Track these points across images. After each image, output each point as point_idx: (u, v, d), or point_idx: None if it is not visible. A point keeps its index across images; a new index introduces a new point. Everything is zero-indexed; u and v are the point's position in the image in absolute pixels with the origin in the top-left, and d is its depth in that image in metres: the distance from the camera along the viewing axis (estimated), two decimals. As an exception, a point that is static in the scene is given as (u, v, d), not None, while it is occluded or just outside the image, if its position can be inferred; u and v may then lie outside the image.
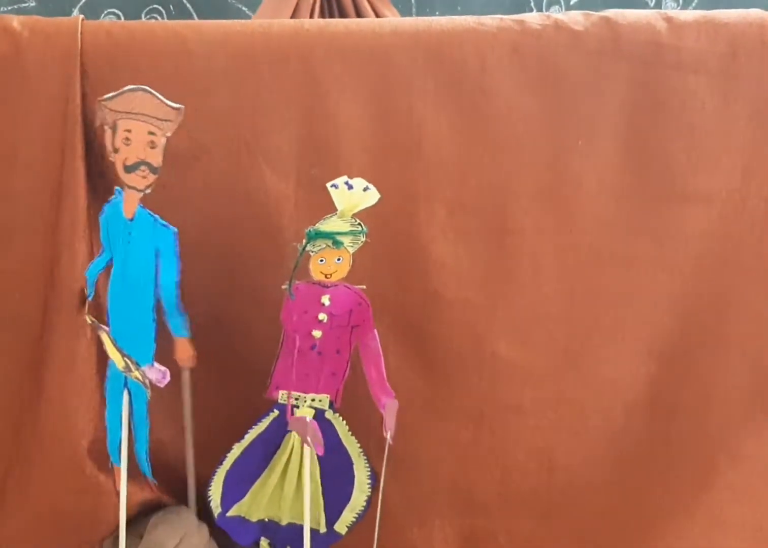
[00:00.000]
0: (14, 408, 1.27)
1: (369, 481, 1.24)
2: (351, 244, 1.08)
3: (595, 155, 1.21)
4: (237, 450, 1.22)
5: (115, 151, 1.05)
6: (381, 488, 1.20)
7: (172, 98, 1.13)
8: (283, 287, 1.10)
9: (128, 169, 1.05)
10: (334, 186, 1.04)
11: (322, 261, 1.09)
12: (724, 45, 1.18)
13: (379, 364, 1.14)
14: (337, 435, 1.20)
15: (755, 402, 1.27)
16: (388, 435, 1.15)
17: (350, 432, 1.20)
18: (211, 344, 1.24)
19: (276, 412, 1.20)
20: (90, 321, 1.15)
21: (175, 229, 1.09)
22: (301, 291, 1.12)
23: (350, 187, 1.04)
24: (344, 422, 1.20)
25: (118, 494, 1.20)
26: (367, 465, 1.23)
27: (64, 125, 1.14)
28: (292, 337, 1.14)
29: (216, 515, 1.25)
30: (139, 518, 1.27)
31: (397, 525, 1.32)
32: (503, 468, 1.33)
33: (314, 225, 1.06)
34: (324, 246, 1.07)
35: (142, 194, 1.07)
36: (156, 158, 1.04)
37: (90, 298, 1.15)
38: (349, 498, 1.25)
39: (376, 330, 1.13)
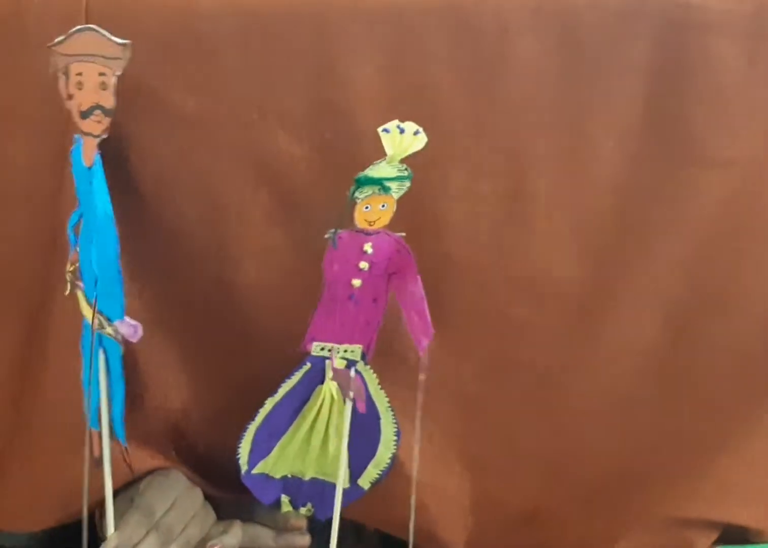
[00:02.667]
0: (15, 377, 1.25)
1: (395, 438, 1.23)
2: (397, 190, 1.06)
3: (615, 118, 1.17)
4: (269, 405, 1.21)
5: (70, 97, 1.01)
6: (418, 436, 1.16)
7: (180, 59, 1.11)
8: (326, 236, 1.09)
9: (83, 115, 1.01)
10: (386, 130, 1.00)
11: (367, 208, 1.06)
12: (751, 5, 1.14)
13: (422, 308, 1.12)
14: (367, 388, 1.20)
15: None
16: (422, 376, 1.13)
17: (380, 386, 1.20)
18: (220, 310, 1.23)
19: (308, 365, 1.18)
20: (69, 279, 1.12)
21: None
22: (343, 240, 1.09)
23: (402, 131, 1.01)
24: (375, 375, 1.19)
25: (123, 462, 1.20)
26: (395, 421, 1.22)
27: (67, 88, 1.10)
28: (333, 287, 1.12)
29: (243, 472, 1.24)
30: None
31: (408, 484, 1.32)
32: (510, 428, 1.33)
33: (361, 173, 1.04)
34: (370, 192, 1.05)
35: (99, 140, 1.03)
36: (108, 100, 1.00)
37: (71, 251, 1.12)
38: (374, 454, 1.25)
39: (419, 276, 1.11)
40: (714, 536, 1.33)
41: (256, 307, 1.24)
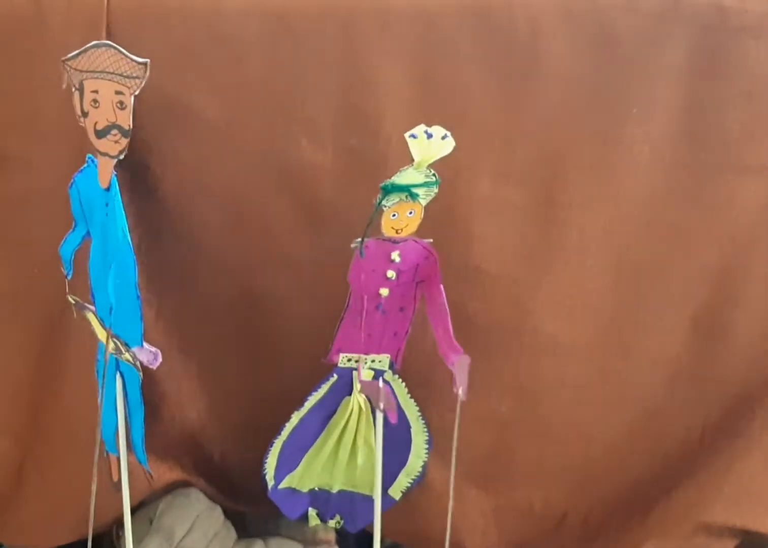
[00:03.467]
0: (34, 388, 1.23)
1: (426, 446, 1.22)
2: (424, 196, 1.03)
3: (650, 124, 1.14)
4: (295, 419, 1.19)
5: (84, 114, 0.97)
6: (454, 447, 1.13)
7: (205, 64, 1.08)
8: (353, 245, 1.06)
9: (99, 134, 0.97)
10: (413, 136, 0.98)
11: (394, 216, 1.04)
12: (790, 9, 1.11)
13: (446, 320, 1.09)
14: (396, 399, 1.17)
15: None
16: (460, 391, 1.10)
17: (409, 395, 1.18)
18: (243, 318, 1.20)
19: (335, 377, 1.17)
20: (73, 302, 1.09)
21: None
22: (370, 249, 1.07)
23: (429, 136, 0.98)
24: (403, 384, 1.17)
25: (138, 485, 1.17)
26: (425, 429, 1.20)
27: (87, 92, 1.07)
28: (360, 298, 1.10)
29: (269, 488, 1.22)
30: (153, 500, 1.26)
31: (433, 495, 1.29)
32: (541, 439, 1.31)
33: (387, 180, 1.01)
34: (397, 200, 1.02)
35: (115, 161, 0.99)
36: (126, 120, 0.96)
37: (69, 277, 1.08)
38: (405, 463, 1.23)
39: (442, 285, 1.09)
40: (734, 543, 1.31)
41: (279, 317, 1.22)
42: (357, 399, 1.17)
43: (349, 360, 1.15)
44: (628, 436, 1.30)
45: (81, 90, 0.96)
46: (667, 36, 1.11)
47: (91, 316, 1.08)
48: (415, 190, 1.02)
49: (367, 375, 1.15)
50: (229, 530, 1.28)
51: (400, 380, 1.17)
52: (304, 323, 1.22)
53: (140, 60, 0.93)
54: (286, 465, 1.22)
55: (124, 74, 0.94)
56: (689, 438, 1.30)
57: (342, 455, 1.21)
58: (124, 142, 0.97)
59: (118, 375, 1.10)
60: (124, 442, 1.13)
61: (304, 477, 1.24)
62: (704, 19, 1.11)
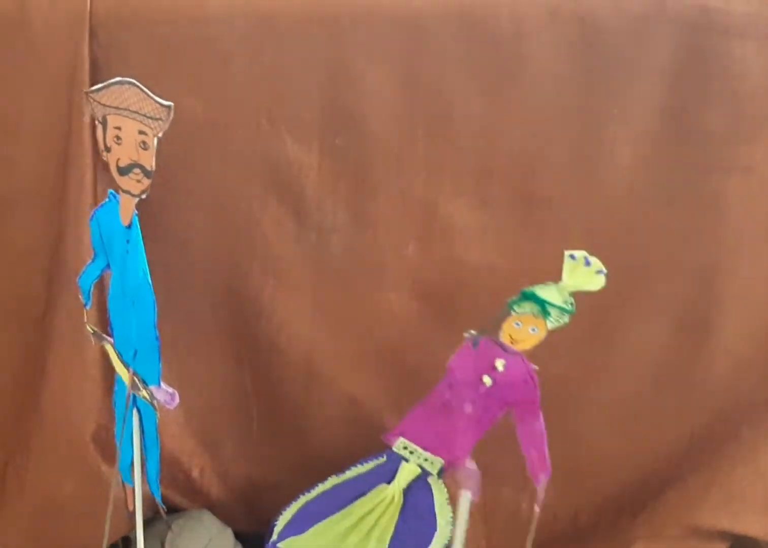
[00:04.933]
0: (16, 392, 1.23)
1: None
2: (554, 320, 1.02)
3: (632, 124, 1.15)
4: (329, 484, 1.19)
5: (107, 149, 0.96)
6: None
7: (190, 65, 1.08)
8: (467, 334, 1.06)
9: (122, 171, 0.96)
10: (572, 257, 0.99)
11: (518, 324, 1.03)
12: (775, 8, 1.12)
13: (542, 446, 1.08)
14: (432, 501, 1.16)
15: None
16: (537, 508, 1.11)
17: (448, 501, 1.15)
18: (229, 318, 1.20)
19: (383, 459, 1.16)
20: (91, 331, 1.07)
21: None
22: (480, 346, 1.06)
23: (587, 264, 0.99)
24: (445, 490, 1.15)
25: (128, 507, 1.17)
26: (449, 537, 1.16)
27: (71, 92, 1.07)
28: (447, 388, 1.09)
29: (270, 541, 1.21)
30: (156, 518, 1.24)
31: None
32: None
33: (532, 287, 1.01)
34: (529, 311, 1.02)
35: (137, 200, 0.98)
36: (148, 160, 0.94)
37: (87, 307, 1.07)
38: None
39: (541, 412, 1.08)
40: (723, 546, 1.31)
41: (265, 317, 1.21)
42: (395, 490, 1.15)
43: (405, 448, 1.14)
44: (616, 438, 1.30)
45: (104, 124, 0.95)
46: (651, 36, 1.12)
47: (109, 348, 1.07)
48: (549, 308, 1.01)
49: (411, 471, 1.14)
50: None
51: (443, 485, 1.15)
52: (290, 324, 1.22)
53: (164, 103, 0.91)
54: (297, 526, 1.20)
55: (147, 115, 0.92)
56: (677, 440, 1.30)
57: (352, 540, 1.18)
58: (146, 182, 0.95)
59: (135, 411, 1.09)
60: (140, 476, 1.12)
61: (306, 547, 1.21)
62: (689, 19, 1.11)
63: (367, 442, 1.27)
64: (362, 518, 1.17)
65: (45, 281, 1.16)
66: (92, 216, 1.03)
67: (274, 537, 1.20)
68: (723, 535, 1.29)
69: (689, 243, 1.20)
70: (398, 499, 1.15)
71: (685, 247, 1.20)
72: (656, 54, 1.12)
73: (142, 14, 1.05)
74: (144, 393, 1.04)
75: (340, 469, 1.21)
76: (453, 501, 1.15)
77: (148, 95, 0.91)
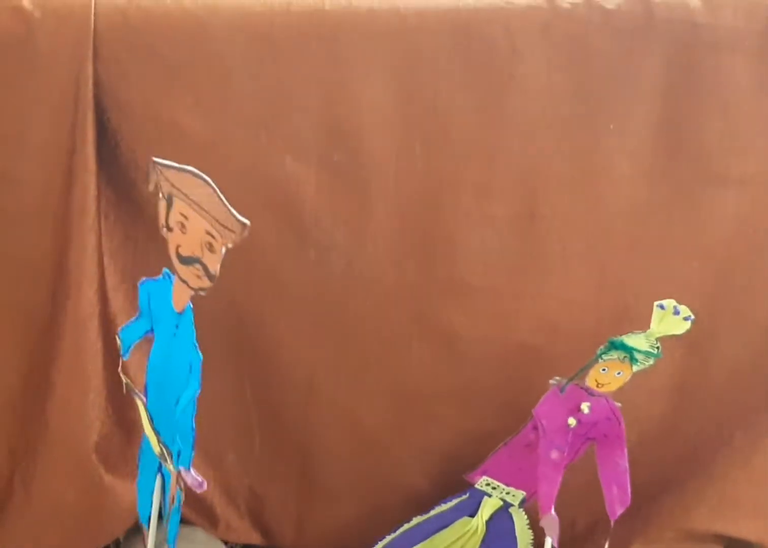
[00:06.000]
0: (21, 401, 1.23)
1: None
2: (640, 363, 1.06)
3: (627, 138, 1.16)
4: (414, 522, 1.22)
5: (168, 228, 0.91)
6: None
7: (190, 82, 1.10)
8: (552, 381, 1.11)
9: (183, 261, 0.92)
10: (661, 307, 1.03)
11: (604, 370, 1.07)
12: (762, 23, 1.13)
13: (624, 481, 1.12)
14: (513, 529, 1.19)
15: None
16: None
17: (528, 525, 1.19)
18: (229, 334, 1.21)
19: (466, 495, 1.20)
20: (125, 382, 1.05)
21: (201, 357, 0.97)
22: (567, 391, 1.10)
23: (676, 313, 1.02)
24: (524, 515, 1.19)
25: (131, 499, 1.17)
26: None
27: (76, 110, 1.08)
28: (531, 430, 1.14)
29: None
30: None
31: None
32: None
33: (620, 336, 1.05)
34: (615, 357, 1.06)
35: (193, 293, 0.94)
36: (213, 264, 0.90)
37: (125, 358, 1.05)
38: None
39: (626, 449, 1.12)
40: (717, 551, 1.33)
41: (265, 334, 1.23)
42: (478, 522, 1.19)
43: (488, 484, 1.18)
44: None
45: (169, 203, 0.90)
46: (642, 52, 1.13)
47: (141, 406, 1.04)
48: (637, 355, 1.05)
49: (494, 504, 1.18)
50: None
51: (524, 512, 1.19)
52: (290, 340, 1.23)
53: (240, 218, 0.86)
54: None
55: (219, 221, 0.87)
56: (672, 446, 1.31)
57: None
58: (206, 282, 0.91)
59: (159, 477, 1.08)
60: (153, 536, 1.11)
61: None
62: (678, 35, 1.13)
63: (366, 457, 1.28)
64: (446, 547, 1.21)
65: (49, 294, 1.17)
66: (143, 283, 1.01)
67: None
68: (717, 538, 1.30)
69: (686, 254, 1.21)
70: (481, 530, 1.20)
71: (682, 259, 1.22)
72: (647, 69, 1.14)
73: (145, 33, 1.07)
74: (170, 467, 1.01)
75: (340, 484, 1.22)
76: (533, 526, 1.19)
77: (224, 203, 0.86)
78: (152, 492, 1.09)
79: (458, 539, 1.20)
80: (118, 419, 1.24)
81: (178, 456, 1.00)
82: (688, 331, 1.03)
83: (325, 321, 1.23)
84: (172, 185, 0.89)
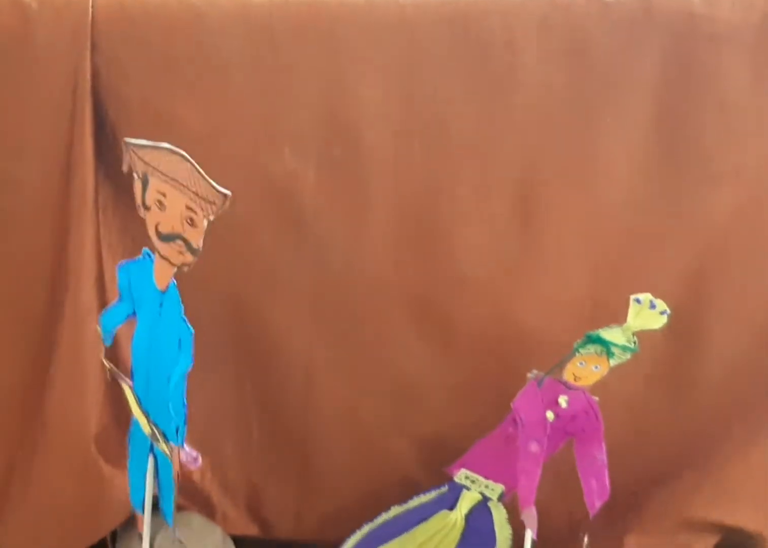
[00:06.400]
0: (21, 396, 1.24)
1: None
2: (617, 357, 1.07)
3: (624, 132, 1.17)
4: (393, 512, 1.22)
5: (146, 207, 0.90)
6: None
7: (189, 76, 1.09)
8: (530, 375, 1.11)
9: (163, 238, 0.90)
10: (638, 300, 1.03)
11: (581, 364, 1.08)
12: (759, 16, 1.13)
13: (603, 476, 1.13)
14: (492, 523, 1.20)
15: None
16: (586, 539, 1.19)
17: (507, 520, 1.19)
18: (228, 329, 1.22)
19: (445, 488, 1.20)
20: (108, 367, 1.05)
21: (192, 330, 0.96)
22: (544, 385, 1.11)
23: (653, 306, 1.03)
24: (504, 510, 1.20)
25: (127, 499, 1.17)
26: None
27: (74, 102, 1.09)
28: (511, 424, 1.14)
29: None
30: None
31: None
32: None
33: (597, 330, 1.05)
34: (593, 351, 1.06)
35: (175, 269, 0.92)
36: (195, 238, 0.88)
37: (107, 344, 1.05)
38: None
39: (604, 443, 1.12)
40: (715, 540, 1.31)
41: (263, 328, 1.23)
42: (457, 516, 1.19)
43: (467, 478, 1.19)
44: (608, 436, 1.29)
45: (145, 183, 0.89)
46: (640, 45, 1.14)
47: (127, 390, 1.03)
48: (613, 349, 1.05)
49: (473, 498, 1.18)
50: (229, 543, 1.30)
51: (502, 507, 1.19)
52: (288, 334, 1.23)
53: (222, 190, 0.86)
54: None
55: (200, 194, 0.86)
56: (670, 437, 1.31)
57: None
58: (189, 257, 0.90)
59: (150, 457, 1.07)
60: (149, 521, 1.11)
61: None
62: (676, 27, 1.13)
63: (364, 450, 1.29)
64: (424, 542, 1.21)
65: (48, 289, 1.17)
66: (121, 265, 1.00)
67: None
68: (714, 528, 1.30)
69: (681, 248, 1.22)
70: (460, 523, 1.19)
71: (676, 252, 1.22)
72: (645, 62, 1.14)
73: (143, 27, 1.07)
74: (163, 446, 1.00)
75: (338, 476, 1.22)
76: (512, 520, 1.19)
77: (203, 176, 0.85)
78: (144, 475, 1.08)
79: (437, 532, 1.20)
80: (117, 411, 1.24)
81: (177, 432, 1.00)
82: (665, 326, 1.03)
83: (323, 315, 1.23)
84: (147, 164, 0.88)
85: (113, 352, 1.15)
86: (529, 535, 1.13)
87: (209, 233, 1.05)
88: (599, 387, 1.26)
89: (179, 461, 1.02)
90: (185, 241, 0.89)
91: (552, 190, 1.19)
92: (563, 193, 1.19)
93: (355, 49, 1.11)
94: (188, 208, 0.87)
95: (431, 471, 1.29)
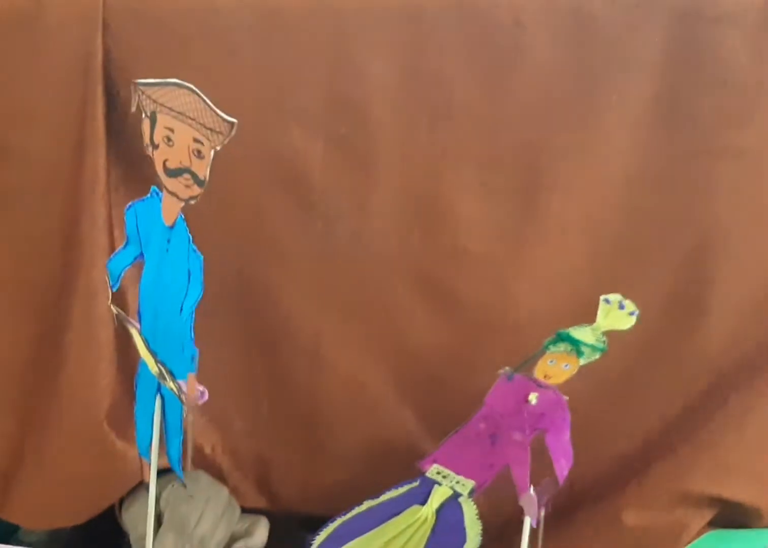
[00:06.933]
0: (33, 372, 1.26)
1: None
2: (587, 357, 1.08)
3: (627, 110, 1.18)
4: (365, 506, 1.24)
5: (154, 146, 0.91)
6: None
7: (199, 57, 1.10)
8: (501, 371, 1.12)
9: (170, 173, 0.92)
10: (607, 301, 1.04)
11: (552, 362, 1.09)
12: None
13: (569, 453, 1.16)
14: (462, 518, 1.22)
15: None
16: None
17: (477, 516, 1.21)
18: (236, 306, 1.24)
19: (416, 483, 1.21)
20: (115, 312, 1.07)
21: (202, 257, 0.98)
22: (515, 381, 1.12)
23: (621, 307, 1.04)
24: (474, 506, 1.21)
25: (139, 468, 1.20)
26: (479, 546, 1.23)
27: (86, 82, 1.10)
28: (481, 420, 1.15)
29: None
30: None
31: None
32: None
33: (566, 328, 1.06)
34: (563, 349, 1.08)
35: (183, 204, 0.94)
36: (202, 169, 0.90)
37: (113, 290, 1.06)
38: None
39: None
40: (712, 513, 1.33)
41: (271, 305, 1.25)
42: (428, 512, 1.21)
43: (439, 473, 1.20)
44: (609, 410, 1.33)
45: (153, 120, 0.90)
46: (643, 25, 1.15)
47: (134, 333, 1.05)
48: (583, 348, 1.07)
49: (444, 493, 1.20)
50: (234, 507, 1.31)
51: (473, 503, 1.21)
52: (296, 308, 1.25)
53: (228, 118, 0.88)
54: (332, 544, 1.25)
55: (207, 126, 0.88)
56: (668, 410, 1.33)
57: None
58: (197, 190, 0.92)
59: (158, 397, 1.09)
60: (155, 461, 1.12)
61: None
62: (680, 8, 1.14)
63: (371, 420, 1.32)
64: (395, 537, 1.23)
65: (60, 266, 1.19)
66: (129, 207, 1.01)
67: None
68: (711, 502, 1.32)
69: (681, 224, 1.23)
70: (431, 519, 1.22)
71: (677, 229, 1.23)
72: (649, 42, 1.15)
73: (153, 7, 1.08)
74: (171, 385, 1.03)
75: (345, 448, 1.25)
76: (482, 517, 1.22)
77: (210, 107, 0.87)
78: (152, 418, 1.11)
79: (408, 527, 1.22)
80: (129, 387, 1.26)
81: (193, 360, 1.03)
82: (632, 327, 1.05)
83: (330, 289, 1.25)
84: (155, 102, 0.90)
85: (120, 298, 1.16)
86: (528, 522, 1.15)
87: (218, 213, 1.08)
88: (596, 363, 1.29)
89: (185, 397, 1.04)
90: (192, 174, 0.91)
91: (555, 166, 1.20)
92: (566, 169, 1.20)
93: (362, 31, 1.12)
94: (195, 140, 0.89)
95: (435, 440, 1.32)
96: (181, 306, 1.00)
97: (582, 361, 1.08)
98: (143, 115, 0.92)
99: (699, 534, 1.33)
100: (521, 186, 1.21)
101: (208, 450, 1.32)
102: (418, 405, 1.32)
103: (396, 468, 1.26)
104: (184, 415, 1.07)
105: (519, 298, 1.26)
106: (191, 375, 1.03)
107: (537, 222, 1.23)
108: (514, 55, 1.15)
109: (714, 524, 1.34)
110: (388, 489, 1.23)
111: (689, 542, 1.32)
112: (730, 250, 1.25)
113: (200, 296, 0.99)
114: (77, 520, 1.32)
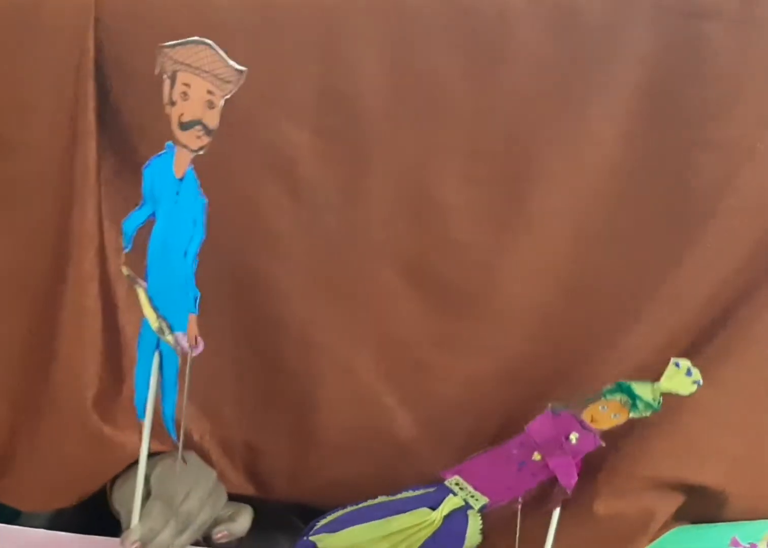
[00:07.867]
0: (24, 361, 1.28)
1: None
2: (639, 411, 1.09)
3: (613, 103, 1.19)
4: (378, 500, 1.26)
5: (172, 103, 0.96)
6: None
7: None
8: (550, 404, 1.13)
9: (183, 127, 0.97)
10: (677, 365, 1.05)
11: (603, 408, 1.09)
12: (747, -6, 1.17)
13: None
14: (466, 529, 1.23)
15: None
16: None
17: (481, 531, 1.23)
18: (230, 296, 1.26)
19: (433, 489, 1.23)
20: (126, 273, 1.10)
21: (206, 200, 1.02)
22: (561, 417, 1.13)
23: (689, 374, 1.05)
24: (481, 521, 1.23)
25: (130, 447, 1.22)
26: None
27: (77, 77, 1.11)
28: (517, 446, 1.16)
29: (305, 534, 1.28)
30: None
31: (415, 461, 1.35)
32: (508, 397, 1.34)
33: (630, 381, 1.07)
34: (618, 399, 1.08)
35: (193, 155, 0.99)
36: (212, 119, 0.95)
37: (126, 250, 1.08)
38: None
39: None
40: (676, 503, 1.33)
41: (265, 294, 1.27)
42: (436, 516, 1.22)
43: (457, 484, 1.21)
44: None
45: (173, 79, 0.95)
46: (629, 17, 1.16)
47: (141, 292, 1.09)
48: (639, 403, 1.08)
49: (456, 503, 1.21)
50: (221, 491, 1.32)
51: (480, 518, 1.23)
52: (286, 296, 1.27)
53: (239, 67, 0.92)
54: (333, 526, 1.27)
55: (219, 76, 0.93)
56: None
57: (381, 546, 1.25)
58: (206, 139, 0.97)
59: (156, 353, 1.12)
60: (151, 416, 1.15)
61: (334, 545, 1.28)
62: (663, 2, 1.16)
63: (360, 408, 1.34)
64: (398, 532, 1.24)
65: (51, 256, 1.20)
66: (148, 164, 1.04)
67: (310, 530, 1.28)
68: (681, 487, 1.33)
69: (665, 214, 1.25)
70: (437, 523, 1.23)
71: (661, 219, 1.25)
72: (633, 34, 1.16)
73: (144, 3, 1.10)
74: (169, 338, 1.07)
75: (335, 436, 1.28)
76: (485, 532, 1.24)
77: (224, 58, 0.92)
78: (149, 377, 1.14)
79: (414, 526, 1.24)
80: (116, 375, 1.29)
81: (196, 301, 1.05)
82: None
83: (319, 277, 1.26)
84: (176, 61, 0.94)
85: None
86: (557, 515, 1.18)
87: (209, 204, 1.10)
88: (578, 346, 1.31)
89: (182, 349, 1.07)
90: (203, 125, 0.96)
91: (540, 157, 1.21)
92: (551, 160, 1.22)
93: (351, 25, 1.13)
94: (209, 91, 0.94)
95: (421, 427, 1.35)
96: (185, 252, 1.03)
97: (632, 415, 1.09)
98: (165, 77, 0.96)
99: (665, 525, 1.34)
100: (507, 176, 1.22)
101: (196, 437, 1.34)
102: (407, 389, 1.33)
103: (383, 456, 1.28)
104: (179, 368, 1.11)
105: (504, 286, 1.28)
106: (192, 316, 1.06)
107: (523, 211, 1.24)
108: (499, 48, 1.16)
109: (681, 517, 1.35)
110: (385, 481, 1.25)
111: (656, 530, 1.33)
112: (714, 236, 1.25)
113: (203, 238, 1.03)
114: (70, 502, 1.33)
